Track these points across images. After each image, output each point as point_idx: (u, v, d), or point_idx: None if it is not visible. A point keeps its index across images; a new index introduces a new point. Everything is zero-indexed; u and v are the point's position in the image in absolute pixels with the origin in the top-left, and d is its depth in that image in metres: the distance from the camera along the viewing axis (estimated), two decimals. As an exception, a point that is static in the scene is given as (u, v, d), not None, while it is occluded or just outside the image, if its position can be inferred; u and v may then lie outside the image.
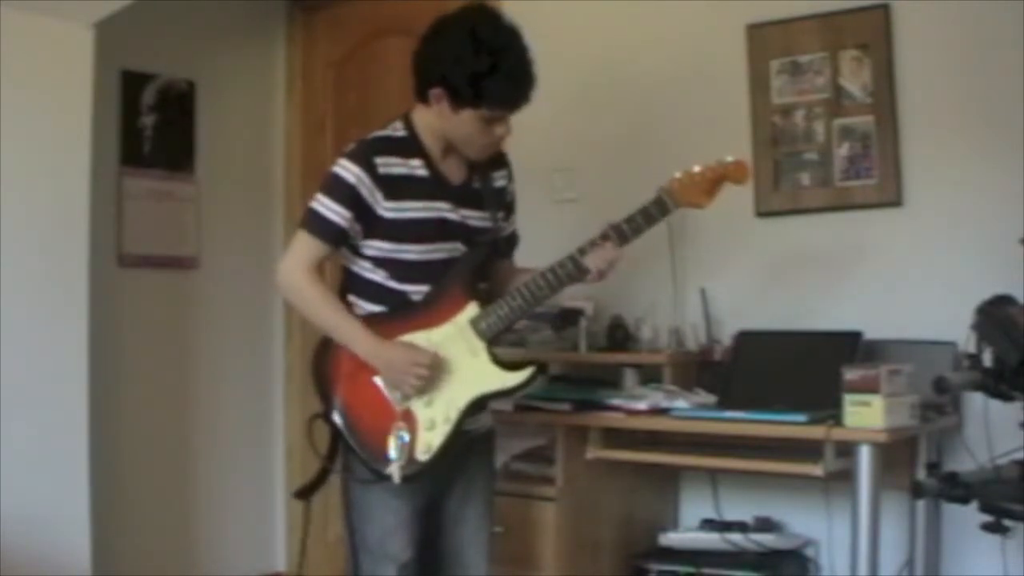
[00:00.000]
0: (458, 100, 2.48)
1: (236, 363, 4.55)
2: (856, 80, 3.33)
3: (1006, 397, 2.54)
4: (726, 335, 3.42)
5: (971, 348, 2.59)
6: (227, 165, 4.56)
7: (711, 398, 3.12)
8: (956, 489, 2.52)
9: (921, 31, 3.23)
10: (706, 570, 3.18)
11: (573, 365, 3.55)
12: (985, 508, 2.51)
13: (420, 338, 2.53)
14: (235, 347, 4.56)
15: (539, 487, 3.20)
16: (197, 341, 4.45)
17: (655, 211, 2.53)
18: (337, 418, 2.55)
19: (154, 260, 4.34)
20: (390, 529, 2.53)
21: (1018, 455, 2.61)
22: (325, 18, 4.71)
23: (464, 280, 2.57)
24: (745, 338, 3.31)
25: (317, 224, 2.51)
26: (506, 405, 3.21)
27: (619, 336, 3.46)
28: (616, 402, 3.13)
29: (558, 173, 3.92)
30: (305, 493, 2.63)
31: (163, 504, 4.30)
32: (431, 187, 2.55)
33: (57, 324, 3.65)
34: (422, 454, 2.49)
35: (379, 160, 2.50)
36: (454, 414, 2.51)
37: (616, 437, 3.18)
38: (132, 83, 4.27)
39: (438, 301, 2.55)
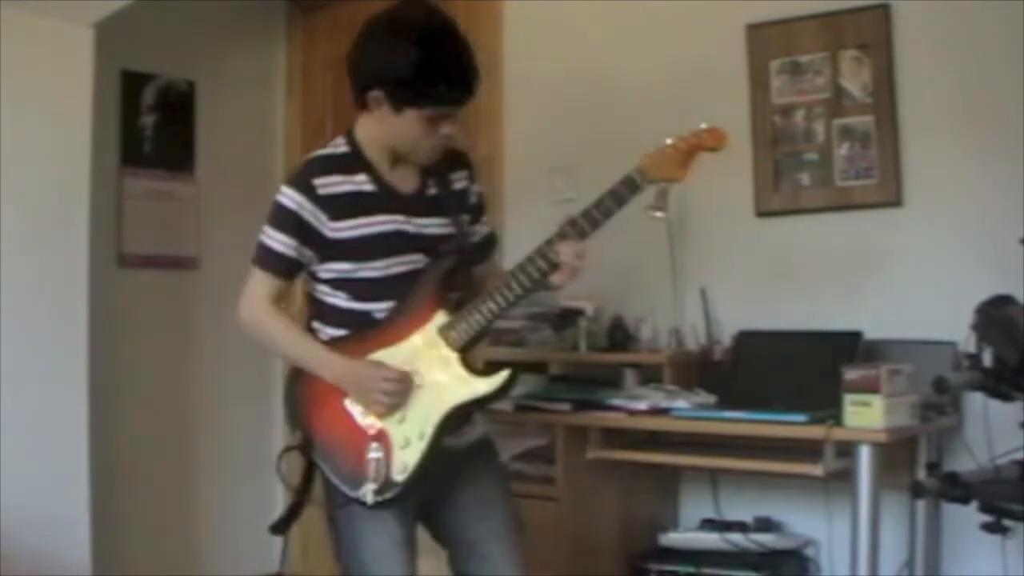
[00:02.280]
0: (398, 101, 2.33)
1: (236, 363, 4.54)
2: (856, 80, 3.33)
3: (1006, 397, 2.54)
4: (726, 335, 3.42)
5: (971, 348, 2.59)
6: (227, 165, 4.55)
7: (711, 398, 3.12)
8: (956, 489, 2.52)
9: (921, 31, 3.23)
10: (706, 570, 3.18)
11: (573, 365, 3.54)
12: (985, 508, 2.51)
13: (387, 354, 2.40)
14: (235, 347, 4.53)
15: (539, 487, 3.21)
16: (197, 341, 4.45)
17: (625, 191, 2.36)
18: (311, 448, 2.45)
19: (154, 260, 4.34)
20: (384, 552, 2.40)
21: (1018, 455, 2.61)
22: (325, 18, 4.71)
23: (429, 290, 2.43)
24: (745, 338, 3.31)
25: (266, 258, 2.43)
26: (506, 405, 3.21)
27: (619, 336, 3.46)
28: (616, 402, 3.13)
29: (558, 173, 3.92)
30: (280, 527, 2.52)
31: (163, 504, 4.29)
32: (381, 200, 2.42)
33: (57, 324, 3.65)
34: (398, 474, 2.36)
35: (319, 181, 2.39)
36: (429, 430, 2.36)
37: (616, 437, 3.18)
38: (132, 83, 4.27)
39: (404, 315, 2.42)
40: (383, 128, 2.40)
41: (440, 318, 2.41)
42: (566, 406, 3.18)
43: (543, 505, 3.17)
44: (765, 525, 3.29)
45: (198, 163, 4.48)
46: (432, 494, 2.45)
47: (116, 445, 4.06)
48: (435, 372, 2.39)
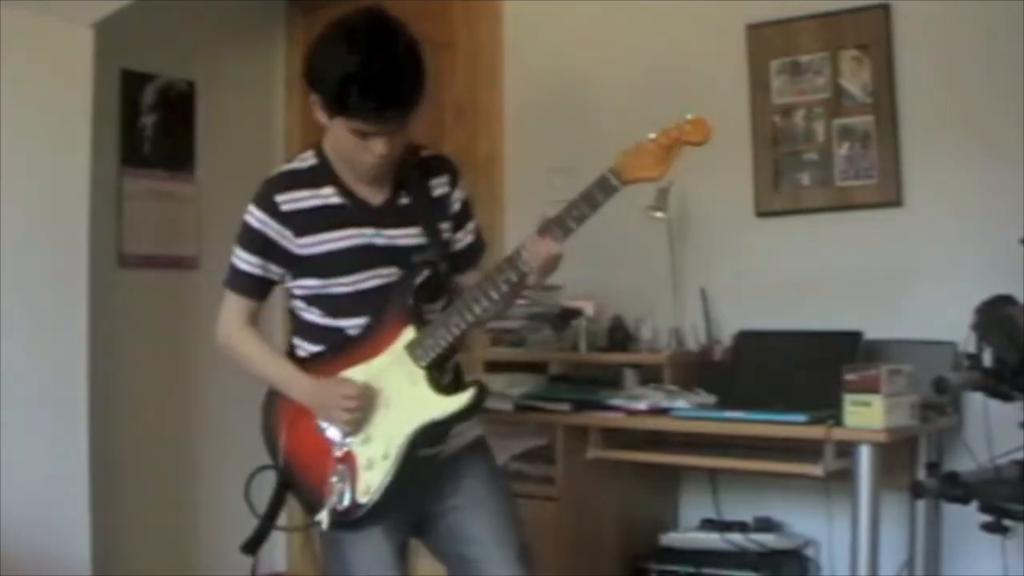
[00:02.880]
0: (327, 107, 2.24)
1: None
2: (856, 80, 3.33)
3: (1006, 397, 2.54)
4: (726, 335, 3.42)
5: (971, 348, 2.59)
6: (227, 165, 4.55)
7: (711, 398, 3.12)
8: (956, 489, 2.52)
9: (921, 31, 3.23)
10: (706, 570, 3.18)
11: (573, 365, 3.54)
12: (985, 508, 2.51)
13: (358, 372, 2.34)
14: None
15: (539, 487, 3.21)
16: (197, 341, 4.43)
17: (598, 193, 2.25)
18: (282, 471, 2.42)
19: (154, 260, 4.34)
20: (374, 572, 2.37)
21: (1018, 455, 2.61)
22: (325, 18, 4.64)
23: (399, 305, 2.34)
24: (745, 338, 3.32)
25: (235, 279, 2.41)
26: (506, 405, 3.21)
27: (619, 336, 3.46)
28: (616, 402, 3.13)
29: (558, 173, 3.92)
30: (250, 548, 2.51)
31: (163, 504, 4.29)
32: (349, 213, 2.34)
33: (57, 324, 3.65)
34: (362, 496, 2.30)
35: (281, 198, 2.33)
36: (394, 451, 2.30)
37: (616, 437, 3.18)
38: (132, 83, 4.27)
39: (376, 331, 2.36)
40: (330, 137, 2.33)
41: (408, 334, 2.34)
42: (566, 406, 3.17)
43: (543, 505, 3.17)
44: (765, 525, 3.29)
45: (198, 163, 4.48)
46: (423, 505, 2.41)
47: (116, 445, 4.06)
48: (402, 390, 2.33)
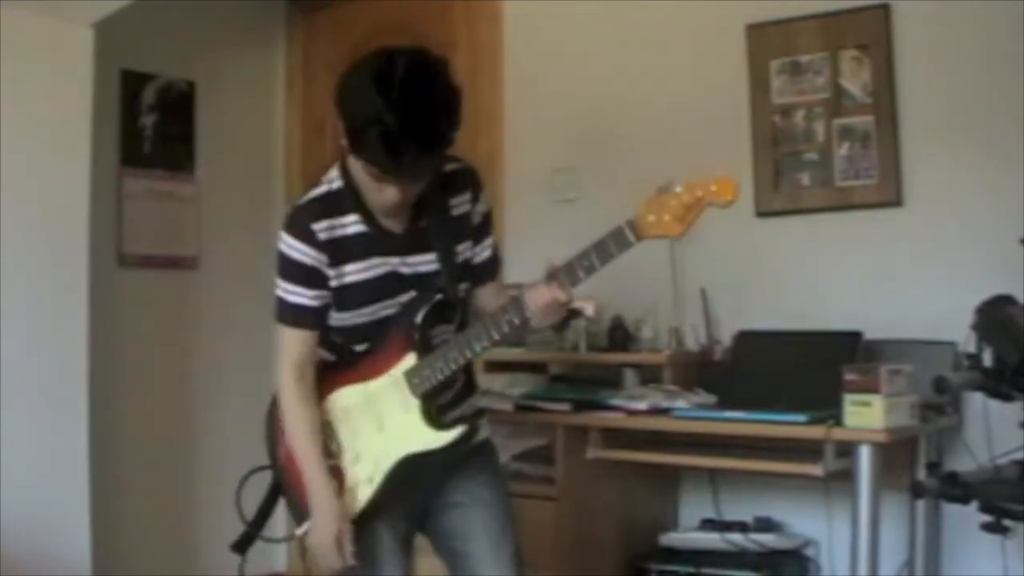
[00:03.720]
0: (347, 141, 2.17)
1: (236, 363, 4.55)
2: (856, 80, 3.33)
3: (1006, 397, 2.54)
4: (726, 335, 3.42)
5: (971, 348, 2.59)
6: (227, 165, 4.56)
7: (711, 398, 3.12)
8: (956, 489, 2.52)
9: (921, 31, 3.23)
10: (706, 570, 3.18)
11: (573, 365, 3.54)
12: (985, 508, 2.51)
13: (357, 391, 2.36)
14: (235, 347, 4.56)
15: (539, 487, 3.21)
16: (197, 341, 4.45)
17: (612, 246, 2.13)
18: (277, 473, 2.47)
19: (154, 260, 4.34)
20: (368, 570, 2.37)
21: (1018, 455, 2.60)
22: (325, 18, 4.71)
23: (405, 329, 2.32)
24: (745, 338, 3.31)
25: (292, 313, 2.32)
26: (506, 405, 3.21)
27: (619, 336, 3.46)
28: (616, 402, 3.13)
29: (558, 173, 3.93)
30: (239, 547, 2.54)
31: (163, 504, 4.29)
32: (372, 242, 2.29)
33: (57, 324, 3.65)
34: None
35: (317, 226, 2.26)
36: (379, 476, 2.33)
37: (616, 437, 3.17)
38: (132, 83, 4.27)
39: (379, 353, 2.35)
40: (353, 161, 2.24)
41: (409, 361, 2.32)
42: (566, 406, 3.17)
43: (543, 505, 3.17)
44: (765, 525, 3.29)
45: (198, 163, 4.48)
46: (426, 499, 2.44)
47: (116, 445, 4.06)
48: (395, 416, 2.33)
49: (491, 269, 2.48)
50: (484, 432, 2.52)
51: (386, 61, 2.12)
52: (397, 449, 2.32)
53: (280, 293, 2.32)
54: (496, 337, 2.26)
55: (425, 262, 2.34)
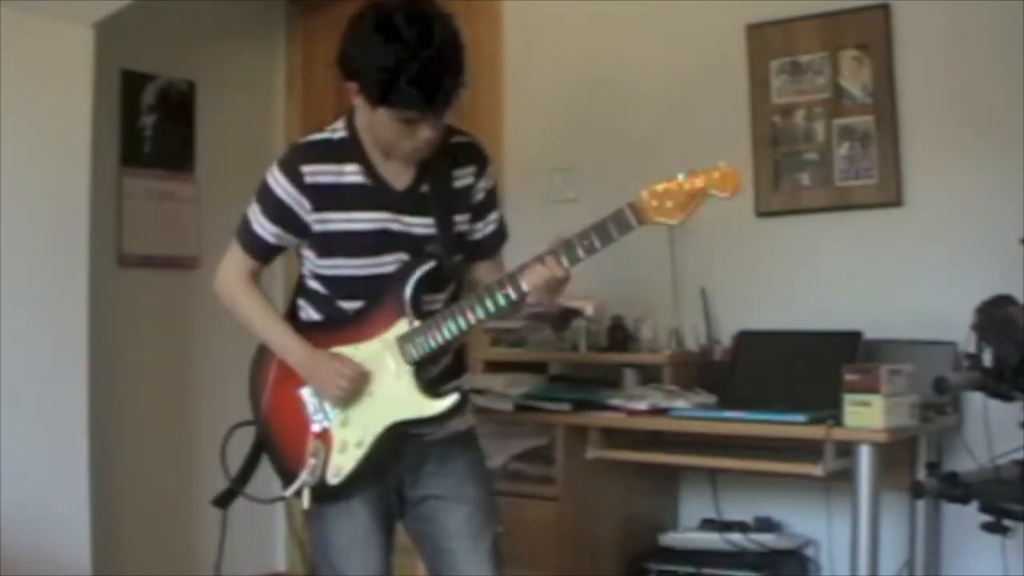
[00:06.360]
0: (371, 98, 2.20)
1: (236, 363, 4.51)
2: (856, 80, 3.33)
3: (1006, 397, 2.54)
4: (726, 335, 3.42)
5: (971, 348, 2.60)
6: (227, 165, 4.55)
7: (711, 398, 3.13)
8: (956, 489, 2.53)
9: (921, 31, 3.23)
10: (706, 570, 3.18)
11: (573, 365, 3.55)
12: (985, 508, 2.52)
13: (348, 352, 2.34)
14: (235, 347, 4.53)
15: (539, 487, 3.21)
16: (197, 341, 4.45)
17: (613, 229, 2.14)
18: (260, 427, 2.47)
19: (154, 260, 4.34)
20: (345, 549, 2.37)
21: (1018, 455, 2.61)
22: (325, 18, 4.71)
23: (398, 294, 2.30)
24: (745, 338, 3.31)
25: (247, 237, 2.41)
26: (506, 405, 3.21)
27: (619, 336, 3.46)
28: (616, 402, 3.13)
29: (558, 173, 3.93)
30: (221, 502, 2.56)
31: (163, 504, 4.29)
32: (369, 195, 2.31)
33: (57, 324, 3.65)
34: (332, 477, 2.33)
35: (308, 168, 2.30)
36: (368, 439, 2.31)
37: (616, 437, 3.18)
38: (132, 83, 4.27)
39: (371, 315, 2.34)
40: (366, 120, 2.29)
41: (402, 327, 2.30)
42: (566, 406, 3.18)
43: (543, 505, 3.17)
44: (765, 525, 3.29)
45: (198, 163, 4.48)
46: (404, 486, 2.41)
47: (116, 445, 4.06)
48: (387, 382, 2.32)
49: (494, 244, 2.48)
50: (469, 419, 2.50)
51: (376, 14, 2.19)
52: (388, 414, 2.31)
53: (249, 214, 2.41)
54: (492, 310, 2.24)
55: (420, 224, 2.34)
